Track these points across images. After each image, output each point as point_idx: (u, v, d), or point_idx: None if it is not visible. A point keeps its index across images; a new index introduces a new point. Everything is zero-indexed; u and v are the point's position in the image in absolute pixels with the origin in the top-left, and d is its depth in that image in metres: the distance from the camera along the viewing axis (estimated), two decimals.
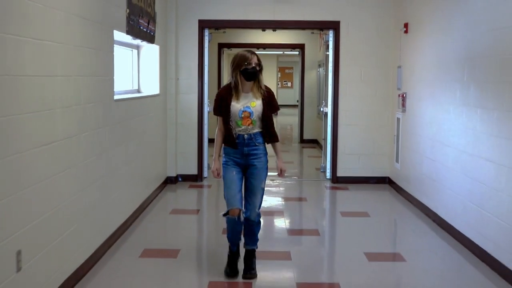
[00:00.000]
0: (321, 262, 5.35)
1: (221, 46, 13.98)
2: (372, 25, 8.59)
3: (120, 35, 5.85)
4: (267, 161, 4.59)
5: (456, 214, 5.77)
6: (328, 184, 8.74)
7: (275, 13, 8.62)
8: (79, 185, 4.47)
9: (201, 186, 8.50)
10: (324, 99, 9.56)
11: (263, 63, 4.60)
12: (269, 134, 4.57)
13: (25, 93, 3.45)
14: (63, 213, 4.11)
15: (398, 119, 8.20)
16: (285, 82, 32.04)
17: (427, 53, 6.96)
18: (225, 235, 4.62)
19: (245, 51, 4.54)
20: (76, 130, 4.38)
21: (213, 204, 7.70)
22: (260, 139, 4.54)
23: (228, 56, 16.59)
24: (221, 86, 4.84)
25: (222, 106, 4.52)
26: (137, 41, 6.92)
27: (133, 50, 7.42)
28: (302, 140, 14.40)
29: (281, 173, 4.68)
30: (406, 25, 7.81)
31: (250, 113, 4.48)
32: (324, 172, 9.26)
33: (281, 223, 6.50)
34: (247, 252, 4.67)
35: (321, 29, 9.64)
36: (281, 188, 8.40)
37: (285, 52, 21.64)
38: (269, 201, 7.41)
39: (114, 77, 5.53)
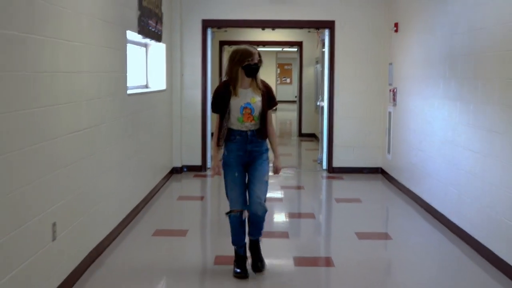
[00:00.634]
0: (316, 240, 5.91)
1: (222, 43, 14.54)
2: (365, 24, 9.13)
3: (132, 35, 6.39)
4: (268, 157, 4.55)
5: (439, 199, 6.33)
6: (325, 174, 9.29)
7: (273, 13, 9.16)
8: (100, 170, 5.02)
9: (205, 176, 9.06)
10: (321, 94, 10.11)
11: (263, 59, 4.52)
12: (264, 130, 4.50)
13: (59, 87, 4.00)
14: (88, 193, 4.67)
15: (390, 113, 8.76)
16: (284, 79, 32.51)
17: (414, 51, 7.52)
18: (228, 219, 4.56)
19: (247, 47, 4.44)
20: (97, 120, 4.94)
21: (216, 191, 8.26)
22: (262, 136, 4.50)
23: (228, 53, 17.11)
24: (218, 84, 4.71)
25: (220, 103, 4.42)
26: (146, 40, 7.46)
27: (142, 48, 7.96)
28: (301, 134, 14.96)
29: (276, 172, 4.70)
30: (396, 25, 8.37)
31: (251, 110, 4.40)
32: (321, 163, 9.81)
33: (280, 208, 7.06)
34: (252, 242, 4.62)
35: (317, 28, 10.20)
36: (280, 178, 8.96)
37: (284, 49, 22.22)
38: (269, 189, 7.94)
39: (127, 74, 6.09)
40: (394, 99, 8.49)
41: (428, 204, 6.70)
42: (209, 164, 9.52)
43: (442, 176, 6.28)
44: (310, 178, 9.22)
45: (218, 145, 4.46)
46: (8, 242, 3.20)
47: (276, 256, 5.14)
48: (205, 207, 7.33)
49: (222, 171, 4.52)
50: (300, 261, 4.95)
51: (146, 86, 8.13)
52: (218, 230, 6.10)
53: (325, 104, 9.53)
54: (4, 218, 3.15)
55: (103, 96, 5.12)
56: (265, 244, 5.32)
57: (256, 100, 4.42)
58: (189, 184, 8.53)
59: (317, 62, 13.44)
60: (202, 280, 4.70)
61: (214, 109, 4.53)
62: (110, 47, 5.37)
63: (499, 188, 4.79)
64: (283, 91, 29.83)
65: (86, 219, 4.61)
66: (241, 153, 4.43)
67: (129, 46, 6.48)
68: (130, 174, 6.21)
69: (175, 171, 9.14)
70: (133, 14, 6.27)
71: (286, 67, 32.05)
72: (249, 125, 4.42)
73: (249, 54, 4.37)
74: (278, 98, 25.00)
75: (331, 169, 9.33)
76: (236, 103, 4.38)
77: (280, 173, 4.83)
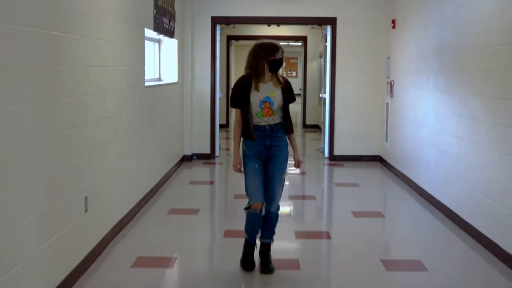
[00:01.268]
0: (316, 218, 6.50)
1: (230, 38, 15.10)
2: (365, 21, 9.68)
3: (148, 32, 6.97)
4: (288, 152, 4.51)
5: (430, 182, 6.90)
6: (326, 161, 9.87)
7: (279, 10, 9.72)
8: (122, 154, 5.62)
9: (214, 163, 9.65)
10: (323, 87, 10.68)
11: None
12: (287, 125, 4.49)
13: (89, 79, 4.59)
14: (112, 173, 5.27)
15: (387, 104, 9.32)
16: (290, 72, 32.99)
17: (410, 47, 8.08)
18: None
19: (272, 42, 4.39)
20: (119, 109, 5.53)
21: (224, 177, 8.86)
22: (281, 131, 4.46)
23: (235, 47, 17.69)
24: (237, 78, 4.57)
25: (241, 97, 4.38)
26: (160, 36, 8.05)
27: (155, 43, 8.54)
28: (305, 126, 15.54)
29: (298, 165, 4.60)
30: (393, 22, 8.92)
31: (271, 104, 4.35)
32: (323, 152, 10.39)
33: (285, 191, 7.60)
34: (263, 245, 4.61)
35: (320, 25, 10.75)
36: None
37: (289, 43, 22.74)
38: None
39: (145, 68, 6.68)
40: (391, 91, 9.05)
41: (420, 187, 7.27)
42: (217, 152, 10.12)
43: (432, 161, 6.85)
44: (313, 165, 9.79)
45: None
46: (50, 212, 3.79)
47: (279, 230, 5.72)
48: (214, 190, 7.93)
49: (242, 169, 4.47)
50: (301, 235, 5.54)
51: (159, 79, 8.71)
52: (227, 209, 6.72)
53: (327, 96, 10.10)
54: (46, 192, 3.74)
55: (124, 88, 5.71)
56: None
57: (276, 94, 4.37)
58: (199, 171, 9.12)
59: (320, 56, 13.98)
60: (212, 251, 5.31)
61: (234, 104, 4.43)
62: (130, 43, 5.96)
63: (480, 170, 5.37)
64: None
65: (111, 196, 5.22)
66: (261, 147, 4.38)
67: (145, 42, 7.06)
68: (147, 159, 6.80)
69: (185, 159, 9.73)
70: (150, 13, 6.85)
71: (292, 60, 32.50)
72: (268, 120, 4.38)
73: (276, 49, 4.31)
74: None
75: (332, 157, 9.91)
76: (256, 98, 4.34)
77: (300, 166, 4.68)
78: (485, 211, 5.22)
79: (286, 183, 7.64)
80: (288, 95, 4.44)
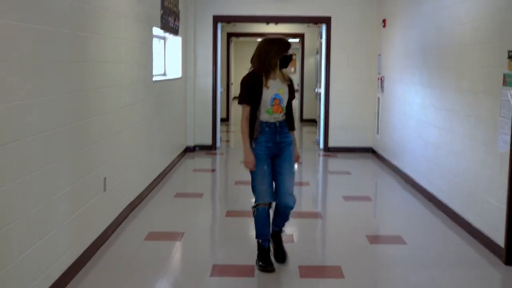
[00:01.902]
0: (308, 201, 7.10)
1: (230, 35, 15.67)
2: (358, 20, 10.27)
3: (156, 30, 7.56)
4: (293, 148, 4.54)
5: (414, 169, 7.51)
6: (321, 153, 10.48)
7: (276, 10, 10.31)
8: (134, 141, 6.22)
9: (215, 154, 10.25)
10: (319, 82, 11.28)
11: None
12: (291, 121, 4.55)
13: (107, 73, 5.19)
14: (127, 158, 5.87)
15: (378, 98, 9.92)
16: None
17: (398, 45, 8.68)
18: (253, 212, 4.49)
19: (282, 38, 4.42)
20: (132, 101, 6.12)
21: (225, 166, 9.48)
22: (287, 127, 4.51)
23: (235, 44, 18.26)
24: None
25: (251, 94, 4.34)
26: (165, 34, 8.63)
27: (160, 40, 9.13)
28: (302, 120, 16.14)
29: (297, 160, 4.61)
30: (384, 21, 9.52)
31: (280, 100, 4.35)
32: (318, 144, 11.00)
33: None
34: (275, 232, 4.63)
35: (316, 23, 11.33)
36: None
37: (288, 39, 23.31)
38: None
39: (153, 63, 7.27)
40: (382, 86, 9.65)
41: (406, 174, 7.87)
42: (218, 144, 10.71)
43: (416, 150, 7.46)
44: (308, 156, 10.39)
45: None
46: (77, 188, 4.38)
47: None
48: (216, 177, 8.55)
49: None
50: (296, 215, 6.11)
51: (164, 74, 9.30)
52: (228, 194, 7.34)
53: (322, 91, 10.70)
54: (73, 170, 4.34)
55: (135, 82, 6.31)
56: None
57: (284, 91, 4.38)
58: (202, 160, 9.72)
59: (317, 53, 14.55)
60: (215, 227, 5.92)
61: (244, 101, 4.39)
62: (140, 41, 6.55)
63: (456, 156, 5.97)
64: None
65: (125, 179, 5.82)
66: (270, 144, 4.37)
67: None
68: (155, 148, 7.40)
69: (188, 150, 10.33)
70: (157, 13, 7.44)
71: None
72: (277, 116, 4.38)
73: (288, 45, 4.35)
74: None
75: (327, 149, 10.51)
76: (267, 95, 4.32)
77: (298, 161, 4.70)
78: (460, 194, 5.83)
79: None
80: (292, 92, 4.47)
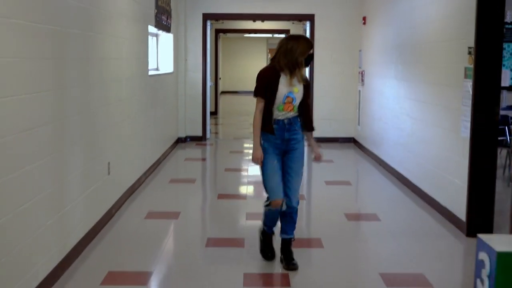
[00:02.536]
0: None
1: (218, 31, 16.23)
2: (340, 18, 10.86)
3: (150, 28, 8.10)
4: (304, 146, 4.51)
5: (391, 156, 8.13)
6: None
7: (263, 8, 10.87)
8: (132, 131, 6.77)
9: (205, 145, 10.81)
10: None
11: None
12: (308, 121, 4.49)
13: (110, 69, 5.73)
14: (126, 146, 6.42)
15: (359, 91, 10.53)
16: None
17: (376, 41, 9.28)
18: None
19: (306, 37, 4.44)
20: (130, 94, 6.68)
21: (214, 156, 10.05)
22: (298, 124, 4.41)
23: (223, 40, 18.80)
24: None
25: (268, 88, 4.30)
26: (158, 31, 9.17)
27: (153, 37, 9.66)
28: None
29: (319, 158, 4.59)
30: (364, 18, 10.12)
31: (293, 99, 4.31)
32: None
33: None
34: (284, 241, 4.54)
35: (300, 20, 11.92)
36: None
37: (274, 36, 23.94)
38: None
39: (148, 59, 7.82)
40: (362, 80, 10.25)
41: (384, 161, 8.49)
42: (208, 135, 11.28)
43: (393, 139, 8.08)
44: None
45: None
46: (86, 170, 4.93)
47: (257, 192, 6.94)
48: (206, 165, 9.15)
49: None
50: None
51: (157, 69, 9.84)
52: (218, 180, 7.92)
53: None
54: (84, 155, 4.89)
55: (134, 76, 6.86)
56: (256, 185, 7.12)
57: (299, 90, 4.35)
58: (192, 150, 10.28)
59: None
60: (208, 208, 6.51)
61: (260, 93, 4.35)
62: (137, 39, 7.10)
63: (426, 143, 6.59)
64: None
65: (125, 165, 6.39)
66: (279, 141, 4.35)
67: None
68: (150, 138, 7.96)
69: (180, 141, 10.89)
70: (152, 12, 7.99)
71: None
72: (287, 114, 4.34)
73: (311, 45, 4.36)
74: None
75: None
76: (281, 91, 4.29)
77: (321, 160, 4.62)
78: (429, 176, 6.44)
79: None
80: (307, 92, 4.43)
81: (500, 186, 6.75)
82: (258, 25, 15.56)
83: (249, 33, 16.28)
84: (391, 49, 8.28)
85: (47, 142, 4.00)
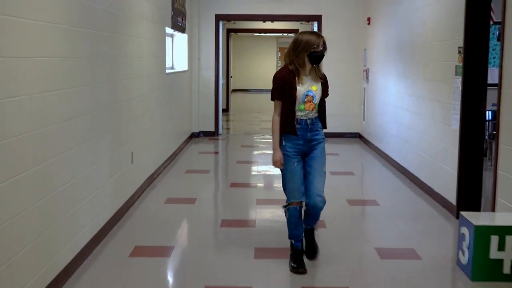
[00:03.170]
0: None
1: (229, 31, 16.82)
2: (346, 18, 11.41)
3: (167, 29, 8.69)
4: (324, 145, 4.47)
5: (392, 149, 8.67)
6: None
7: (272, 9, 11.44)
8: (151, 125, 7.35)
9: (217, 139, 11.40)
10: None
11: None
12: (322, 120, 4.44)
13: (133, 67, 6.32)
14: (146, 138, 7.01)
15: (364, 88, 11.07)
16: None
17: (380, 40, 9.82)
18: (285, 212, 4.46)
19: (312, 34, 4.30)
20: (150, 90, 7.26)
21: (226, 149, 10.63)
22: (319, 124, 4.39)
23: (234, 39, 19.38)
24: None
25: (285, 90, 4.25)
26: (174, 32, 9.75)
27: (169, 38, 10.25)
28: None
29: None
30: (368, 19, 10.66)
31: (313, 97, 4.27)
32: None
33: None
34: (307, 230, 4.57)
35: (308, 21, 12.47)
36: None
37: (283, 34, 24.51)
38: (269, 148, 10.37)
39: (165, 58, 8.41)
40: (367, 78, 10.79)
41: (386, 154, 9.03)
42: (220, 130, 11.86)
43: (394, 132, 8.62)
44: None
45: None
46: (112, 158, 5.51)
47: (269, 185, 7.51)
48: (219, 158, 9.75)
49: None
50: None
51: (172, 68, 10.42)
52: (230, 171, 8.50)
53: None
54: (110, 144, 5.47)
55: (153, 74, 7.44)
56: (259, 179, 7.68)
57: (318, 88, 4.31)
58: (205, 145, 10.86)
59: None
60: (222, 195, 7.09)
61: (278, 96, 4.32)
62: (156, 39, 7.68)
63: (422, 134, 7.13)
64: None
65: (146, 155, 6.98)
66: (301, 142, 4.30)
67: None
68: (166, 132, 8.54)
69: (193, 136, 11.48)
70: (169, 14, 8.57)
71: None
72: (309, 113, 4.30)
73: (314, 42, 4.23)
74: None
75: None
76: (300, 91, 4.25)
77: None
78: (425, 165, 6.99)
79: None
80: (326, 89, 4.41)
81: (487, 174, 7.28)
82: (268, 25, 16.11)
83: (259, 32, 16.87)
84: (392, 48, 8.82)
85: (83, 131, 4.58)
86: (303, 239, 4.53)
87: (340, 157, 9.52)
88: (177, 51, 10.50)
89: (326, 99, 4.47)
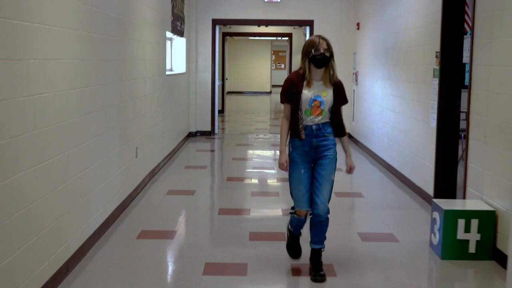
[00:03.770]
0: None
1: (225, 35, 17.36)
2: (336, 23, 11.97)
3: (167, 33, 9.22)
4: (336, 153, 4.35)
5: (378, 147, 9.23)
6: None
7: (266, 14, 12.00)
8: (153, 123, 7.89)
9: (213, 139, 11.94)
10: None
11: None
12: (338, 127, 4.32)
13: (137, 68, 6.85)
14: (148, 135, 7.54)
15: (353, 90, 11.63)
16: (279, 64, 35.15)
17: (368, 45, 10.39)
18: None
19: (314, 37, 4.28)
20: (152, 90, 7.79)
21: (222, 148, 11.17)
22: (329, 129, 4.27)
23: (229, 42, 19.91)
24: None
25: (292, 93, 4.20)
26: (173, 36, 10.28)
27: (168, 41, 10.78)
28: None
29: (350, 170, 4.51)
30: (358, 24, 11.23)
31: (321, 103, 4.18)
32: None
33: (269, 154, 9.97)
34: (314, 251, 4.41)
35: (300, 26, 13.03)
36: (272, 141, 11.86)
37: (277, 38, 25.09)
38: (264, 146, 10.91)
39: (166, 61, 8.95)
40: (356, 80, 11.36)
41: (373, 152, 9.59)
42: (216, 130, 12.40)
43: (380, 131, 9.18)
44: None
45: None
46: (120, 152, 6.03)
47: (265, 177, 8.05)
48: (215, 155, 10.28)
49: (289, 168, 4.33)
50: (280, 180, 7.85)
51: (171, 70, 10.96)
52: (226, 166, 9.05)
53: None
54: (119, 139, 6.00)
55: (154, 75, 7.98)
56: (256, 174, 8.23)
57: (328, 94, 4.21)
58: (203, 143, 11.40)
59: None
60: (219, 188, 7.63)
61: (285, 99, 4.29)
62: (157, 43, 8.22)
63: (405, 133, 7.69)
64: (278, 76, 32.52)
65: (148, 151, 7.51)
66: (307, 148, 4.23)
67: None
68: (166, 130, 9.08)
69: (191, 135, 12.02)
70: (169, 19, 9.11)
71: (280, 53, 34.63)
72: (315, 119, 4.21)
73: (313, 44, 4.19)
74: (273, 82, 27.71)
75: None
76: (306, 95, 4.18)
77: (353, 172, 4.57)
78: (407, 161, 7.55)
79: (271, 154, 9.87)
80: (340, 96, 4.31)
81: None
82: (262, 29, 16.65)
83: (254, 36, 17.43)
84: (379, 52, 9.38)
85: (96, 126, 5.11)
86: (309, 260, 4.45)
87: None
88: (175, 54, 11.04)
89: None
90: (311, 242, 4.41)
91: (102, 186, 5.31)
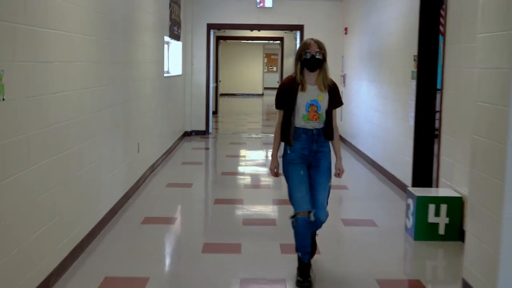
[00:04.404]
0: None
1: (219, 38, 17.92)
2: (326, 28, 12.56)
3: (165, 38, 9.79)
4: (331, 159, 4.32)
5: (364, 145, 9.82)
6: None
7: (259, 19, 12.58)
8: (153, 122, 8.44)
9: (208, 138, 12.50)
10: None
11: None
12: (329, 130, 4.24)
13: (139, 70, 7.41)
14: (149, 133, 8.10)
15: (342, 92, 12.19)
16: (271, 67, 35.72)
17: (355, 49, 10.98)
18: (292, 223, 4.33)
19: (307, 39, 4.25)
20: (152, 91, 8.35)
21: (216, 146, 11.74)
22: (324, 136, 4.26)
23: (223, 46, 20.48)
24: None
25: (286, 98, 4.17)
26: (170, 40, 10.84)
27: (165, 45, 11.33)
28: None
29: (339, 174, 4.44)
30: (346, 29, 11.83)
31: (318, 107, 4.13)
32: None
33: (261, 152, 10.54)
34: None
35: (291, 30, 13.63)
36: (264, 139, 12.43)
37: (269, 41, 25.69)
38: (258, 144, 11.48)
39: (164, 63, 9.51)
40: (344, 82, 11.96)
41: (359, 150, 10.18)
42: (211, 130, 12.97)
43: (365, 130, 9.77)
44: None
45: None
46: (125, 147, 6.58)
47: (253, 172, 8.62)
48: (210, 153, 10.86)
49: (280, 173, 4.35)
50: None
51: (168, 72, 11.51)
52: (220, 162, 9.64)
53: None
54: (124, 135, 6.55)
55: (154, 77, 8.54)
56: (248, 168, 8.79)
57: (324, 98, 4.16)
58: (198, 142, 11.96)
59: (294, 54, 16.85)
60: (214, 181, 8.20)
61: (279, 105, 4.25)
62: (157, 47, 8.78)
63: (387, 131, 8.28)
64: (270, 79, 33.10)
65: (148, 147, 8.07)
66: (306, 152, 4.20)
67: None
68: (164, 129, 9.64)
69: (186, 134, 12.57)
70: (167, 24, 9.68)
71: (272, 56, 35.15)
72: (314, 123, 4.17)
73: (304, 47, 4.16)
74: (265, 85, 28.27)
75: None
76: (302, 100, 4.13)
77: (341, 176, 4.51)
78: (388, 156, 8.14)
79: (264, 153, 10.45)
80: (334, 99, 4.23)
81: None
82: (255, 33, 17.23)
83: (247, 40, 18.04)
84: (365, 56, 9.98)
85: (105, 122, 5.67)
86: (310, 254, 4.34)
87: None
88: (172, 57, 11.60)
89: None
90: None
91: (110, 176, 5.87)
